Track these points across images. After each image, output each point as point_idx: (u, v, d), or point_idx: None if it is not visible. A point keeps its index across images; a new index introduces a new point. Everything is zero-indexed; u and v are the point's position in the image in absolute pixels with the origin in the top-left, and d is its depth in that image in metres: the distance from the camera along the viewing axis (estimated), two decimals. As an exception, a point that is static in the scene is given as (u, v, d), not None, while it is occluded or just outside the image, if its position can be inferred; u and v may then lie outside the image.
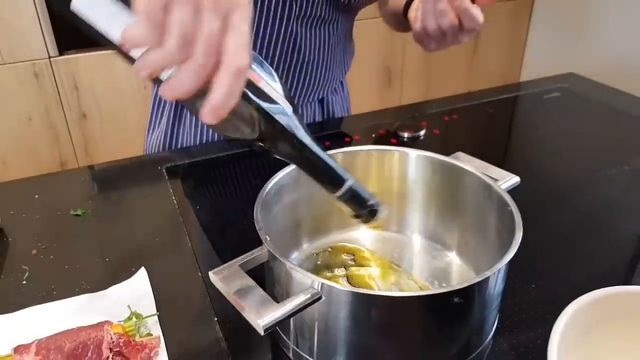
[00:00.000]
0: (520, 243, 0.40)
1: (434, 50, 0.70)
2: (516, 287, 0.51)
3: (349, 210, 0.42)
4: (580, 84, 1.06)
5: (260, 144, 0.37)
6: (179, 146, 0.84)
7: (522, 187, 0.52)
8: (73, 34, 1.50)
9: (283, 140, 0.36)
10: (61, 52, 1.51)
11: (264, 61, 0.35)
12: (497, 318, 0.46)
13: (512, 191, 0.49)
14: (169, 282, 0.52)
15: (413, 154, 0.54)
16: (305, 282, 0.38)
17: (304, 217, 0.54)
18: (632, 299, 0.38)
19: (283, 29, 0.75)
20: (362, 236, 0.57)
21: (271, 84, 0.34)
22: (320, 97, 0.88)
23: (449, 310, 0.38)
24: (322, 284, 0.37)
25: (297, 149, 0.37)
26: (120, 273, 0.53)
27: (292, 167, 0.50)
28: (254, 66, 0.34)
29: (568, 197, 0.69)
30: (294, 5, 0.73)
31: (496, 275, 0.39)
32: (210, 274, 0.40)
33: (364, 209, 0.42)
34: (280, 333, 0.44)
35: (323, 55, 0.82)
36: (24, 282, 0.53)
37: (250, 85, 0.33)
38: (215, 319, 0.48)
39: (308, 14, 0.75)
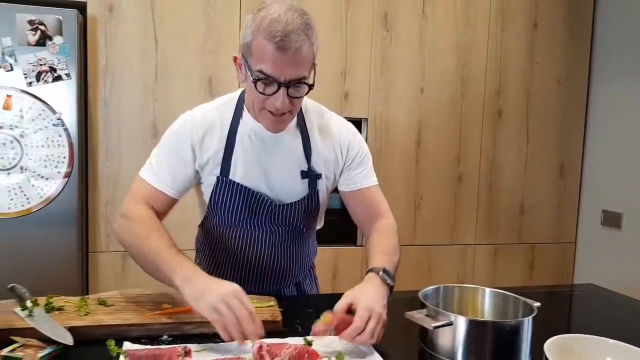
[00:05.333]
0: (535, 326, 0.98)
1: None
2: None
3: None
4: (596, 290, 1.63)
5: None
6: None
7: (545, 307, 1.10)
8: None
9: None
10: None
11: None
12: (530, 358, 1.00)
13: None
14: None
15: (487, 289, 1.15)
16: (445, 315, 0.98)
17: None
18: (578, 340, 0.94)
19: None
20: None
21: None
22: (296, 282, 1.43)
23: (504, 333, 0.96)
24: (454, 315, 0.97)
25: None
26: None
27: (433, 287, 1.13)
28: None
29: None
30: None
31: (524, 322, 0.97)
32: (406, 313, 1.01)
33: None
34: (428, 349, 1.01)
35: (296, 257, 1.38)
36: (300, 330, 1.14)
37: None
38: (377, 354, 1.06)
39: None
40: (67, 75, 2.22)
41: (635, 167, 2.75)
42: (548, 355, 0.85)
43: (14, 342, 0.97)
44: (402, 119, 2.73)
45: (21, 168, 2.19)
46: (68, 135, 2.23)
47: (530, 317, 0.98)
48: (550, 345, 0.89)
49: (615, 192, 2.86)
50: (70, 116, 2.23)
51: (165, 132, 1.25)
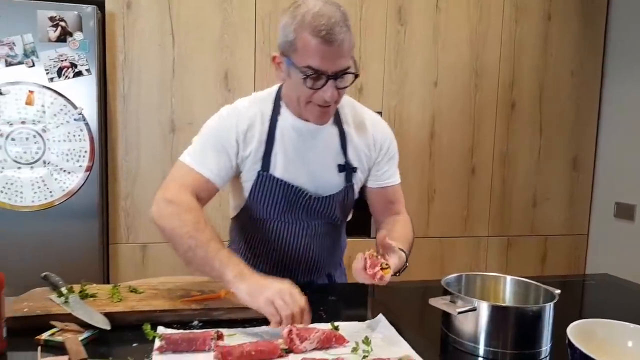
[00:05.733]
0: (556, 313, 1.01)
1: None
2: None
3: None
4: (609, 278, 1.65)
5: None
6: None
7: (561, 296, 1.13)
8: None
9: None
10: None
11: None
12: (550, 343, 1.03)
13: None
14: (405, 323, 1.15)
15: (508, 277, 1.18)
16: (469, 301, 1.01)
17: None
18: (600, 325, 0.97)
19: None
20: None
21: None
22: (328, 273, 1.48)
23: (526, 318, 0.99)
24: (477, 301, 1.00)
25: None
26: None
27: (455, 275, 1.15)
28: None
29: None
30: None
31: (545, 308, 0.99)
32: (430, 299, 1.04)
33: None
34: (451, 334, 1.05)
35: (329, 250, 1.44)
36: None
37: None
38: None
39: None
40: (88, 70, 2.26)
41: (649, 159, 2.75)
42: (571, 339, 0.88)
43: (53, 327, 1.01)
44: (415, 112, 2.75)
45: (44, 162, 2.24)
46: (89, 129, 2.28)
47: (552, 303, 1.01)
48: (573, 329, 0.92)
49: (628, 184, 2.86)
50: (90, 111, 2.28)
51: (207, 124, 1.27)
